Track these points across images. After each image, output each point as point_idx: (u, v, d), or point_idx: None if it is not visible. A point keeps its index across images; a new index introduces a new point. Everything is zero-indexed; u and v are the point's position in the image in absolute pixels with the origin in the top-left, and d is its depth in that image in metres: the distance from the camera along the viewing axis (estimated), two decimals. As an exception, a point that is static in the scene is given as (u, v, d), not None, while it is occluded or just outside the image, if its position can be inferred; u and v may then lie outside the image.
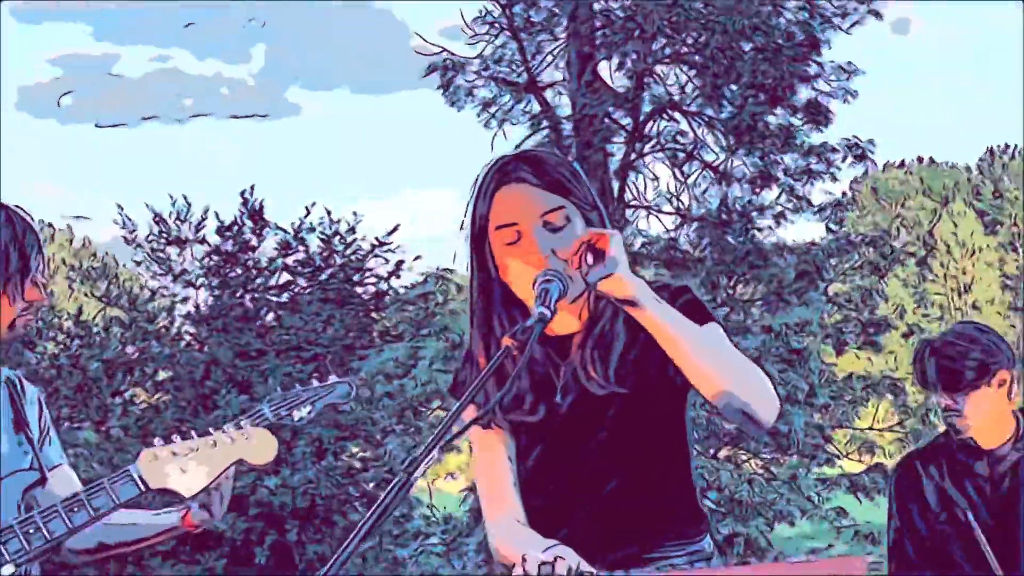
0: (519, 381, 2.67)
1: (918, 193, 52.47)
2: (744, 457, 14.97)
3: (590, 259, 2.56)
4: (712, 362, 2.59)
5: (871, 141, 16.19)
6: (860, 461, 15.52)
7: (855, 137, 16.36)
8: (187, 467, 3.27)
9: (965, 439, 4.04)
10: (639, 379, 2.76)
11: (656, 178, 17.01)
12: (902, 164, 53.56)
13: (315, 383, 4.02)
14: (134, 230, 19.75)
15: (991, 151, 53.68)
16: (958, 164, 54.15)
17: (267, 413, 3.95)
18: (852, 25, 16.34)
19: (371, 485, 17.54)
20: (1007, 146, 54.33)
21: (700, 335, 2.61)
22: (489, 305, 2.80)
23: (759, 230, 16.33)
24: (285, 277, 19.46)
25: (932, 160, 53.95)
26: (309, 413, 3.97)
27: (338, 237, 19.38)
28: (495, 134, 16.84)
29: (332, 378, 4.00)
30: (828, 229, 16.61)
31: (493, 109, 16.92)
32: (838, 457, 15.32)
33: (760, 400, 2.63)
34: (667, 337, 2.58)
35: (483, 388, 2.53)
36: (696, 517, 2.85)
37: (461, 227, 2.86)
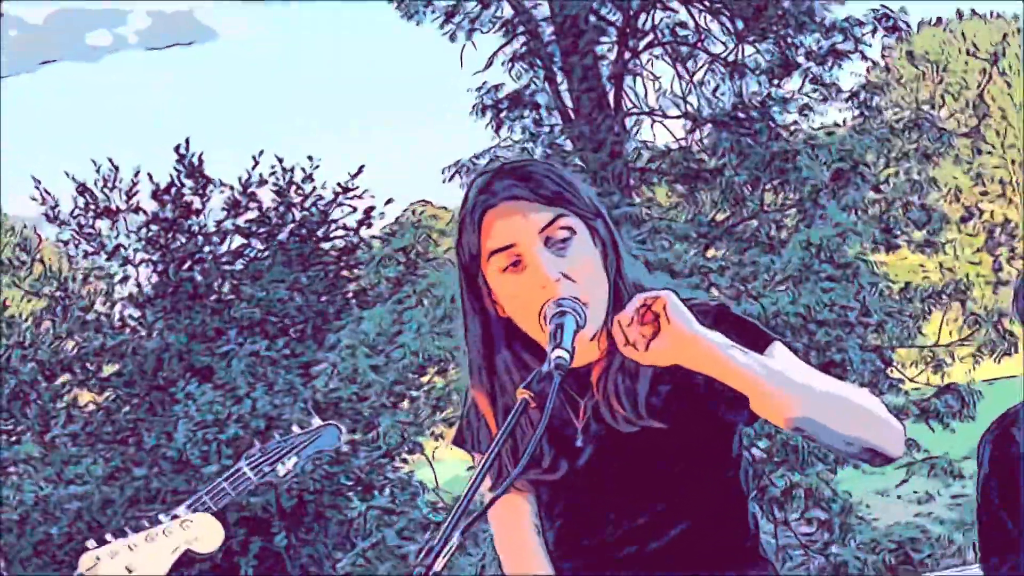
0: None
1: (961, 53, 52.24)
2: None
3: (646, 329, 2.53)
4: (816, 405, 2.56)
5: (903, 9, 16.10)
6: (928, 384, 15.53)
7: (883, 6, 16.27)
8: (133, 565, 3.33)
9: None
10: (676, 412, 2.72)
11: (657, 79, 16.96)
12: (939, 21, 53.28)
13: (296, 430, 4.01)
14: (56, 205, 19.69)
15: (1041, -7, 53.45)
16: (1004, 14, 53.85)
17: (248, 473, 3.95)
18: None
19: (365, 471, 17.58)
20: (1059, -15, 54.09)
21: (789, 376, 2.57)
22: (491, 350, 2.76)
23: (783, 128, 16.28)
24: (238, 241, 19.41)
25: (974, 12, 53.65)
26: (296, 466, 3.97)
27: (294, 188, 19.30)
28: (463, 47, 16.76)
29: (315, 422, 4.00)
30: (863, 116, 16.55)
31: (457, 19, 16.83)
32: (902, 382, 15.33)
33: (878, 427, 2.59)
34: (751, 389, 2.56)
35: (498, 452, 2.49)
36: (758, 564, 2.83)
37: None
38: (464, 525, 2.31)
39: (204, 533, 3.47)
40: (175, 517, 3.79)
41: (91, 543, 3.31)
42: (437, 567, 2.27)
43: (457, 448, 2.99)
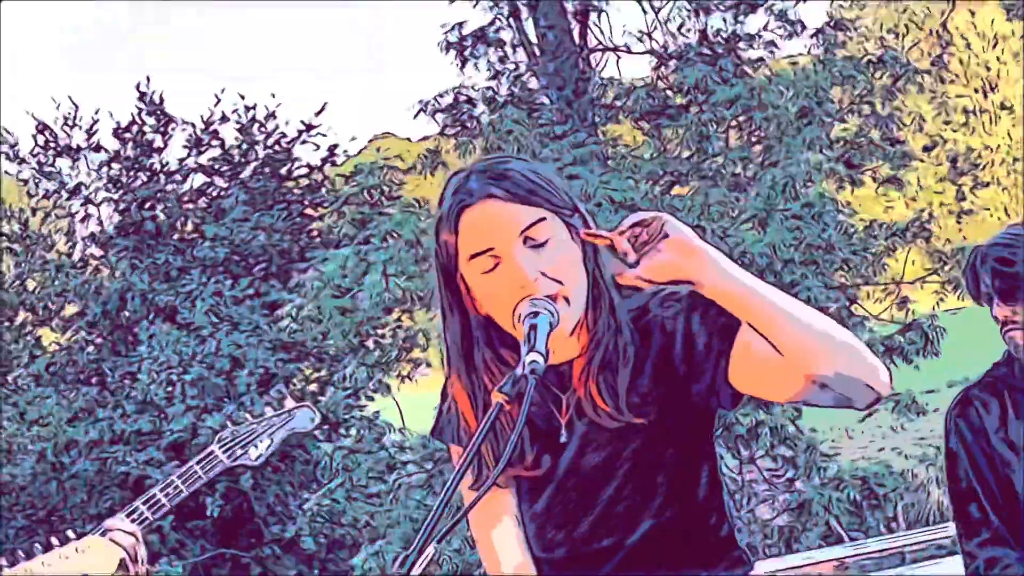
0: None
1: (926, -19, 52.26)
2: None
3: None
4: (808, 331, 2.52)
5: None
6: (893, 321, 15.59)
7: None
8: None
9: (1025, 357, 4.01)
10: (659, 406, 2.72)
11: (621, 14, 16.90)
12: (905, -51, 53.23)
13: (269, 411, 3.99)
14: (15, 144, 19.52)
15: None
16: (969, -59, 53.81)
17: (220, 456, 3.93)
18: None
19: (331, 411, 17.58)
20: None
21: (787, 299, 2.55)
22: (470, 348, 2.76)
23: (749, 64, 16.26)
24: (200, 179, 19.31)
25: (938, -60, 53.63)
26: (268, 448, 3.95)
27: (257, 125, 19.18)
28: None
29: (288, 403, 3.98)
30: (827, 51, 16.52)
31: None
32: (867, 319, 15.38)
33: (872, 367, 2.54)
34: (762, 316, 2.53)
35: (476, 452, 2.49)
36: (732, 555, 2.84)
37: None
38: (442, 531, 2.30)
39: (99, 558, 3.47)
40: (77, 537, 3.75)
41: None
42: (414, 575, 2.26)
43: (437, 439, 2.99)
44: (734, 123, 15.96)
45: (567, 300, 2.64)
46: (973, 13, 50.35)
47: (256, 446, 3.86)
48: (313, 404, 14.26)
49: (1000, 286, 3.97)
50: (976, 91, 49.72)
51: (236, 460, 3.88)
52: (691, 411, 2.75)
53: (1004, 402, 4.10)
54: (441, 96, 16.24)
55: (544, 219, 2.67)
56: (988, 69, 50.47)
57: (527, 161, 2.77)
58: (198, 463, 3.88)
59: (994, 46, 50.79)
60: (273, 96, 19.48)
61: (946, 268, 15.57)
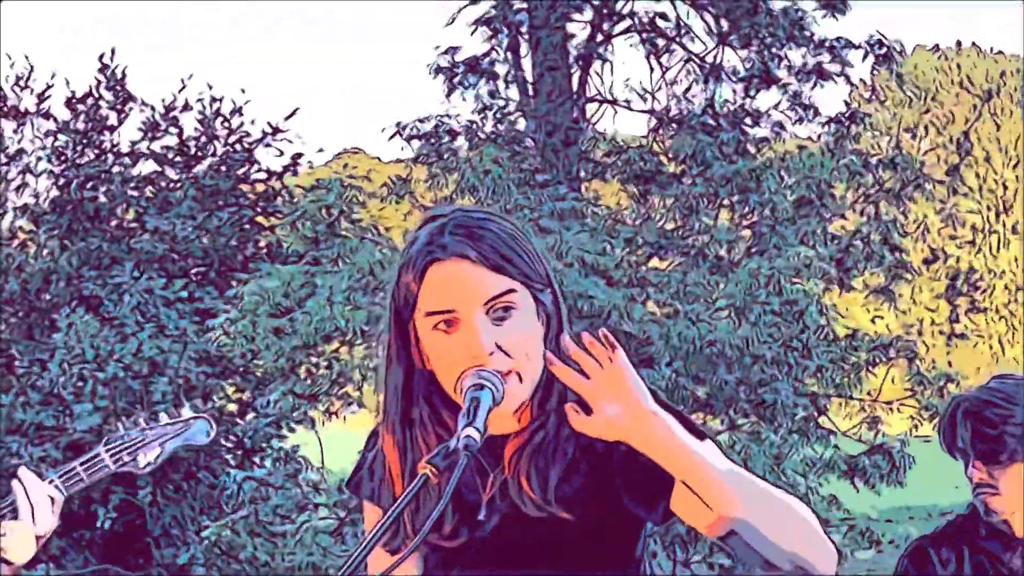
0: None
1: (954, 84, 52.67)
2: (716, 430, 15.06)
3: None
4: (761, 510, 2.58)
5: (899, 41, 16.19)
6: (861, 441, 15.64)
7: (879, 32, 16.36)
8: None
9: (997, 523, 4.02)
10: (586, 504, 2.73)
11: (626, 67, 17.00)
12: (936, 48, 53.66)
13: (164, 418, 3.98)
14: (-42, 96, 19.46)
15: (1048, 35, 53.87)
16: (1005, 51, 54.28)
17: (106, 459, 3.92)
18: None
19: (248, 436, 17.53)
20: (1068, 30, 54.47)
21: (739, 472, 2.60)
22: (409, 401, 2.77)
23: (753, 142, 16.34)
24: (150, 167, 19.25)
25: (975, 45, 54.06)
26: (157, 458, 3.94)
27: (220, 119, 19.17)
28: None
29: (186, 412, 3.97)
30: (838, 143, 16.61)
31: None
32: (833, 434, 15.43)
33: (815, 546, 2.60)
34: (697, 479, 2.58)
35: (396, 518, 2.50)
36: None
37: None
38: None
39: (16, 541, 3.48)
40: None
41: None
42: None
43: (352, 493, 3.00)
44: (727, 202, 16.02)
45: (519, 376, 2.67)
46: (999, 127, 50.77)
47: (145, 454, 3.86)
48: (230, 427, 14.09)
49: (980, 448, 3.98)
50: (989, 208, 50.07)
51: (122, 466, 3.88)
52: (621, 519, 2.75)
53: (962, 560, 4.10)
54: (421, 121, 16.28)
55: (513, 291, 2.69)
56: (1005, 188, 50.84)
57: (508, 222, 2.78)
58: (81, 464, 3.88)
59: (1015, 165, 51.17)
60: (243, 92, 19.47)
61: (926, 394, 15.62)
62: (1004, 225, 50.74)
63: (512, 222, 2.80)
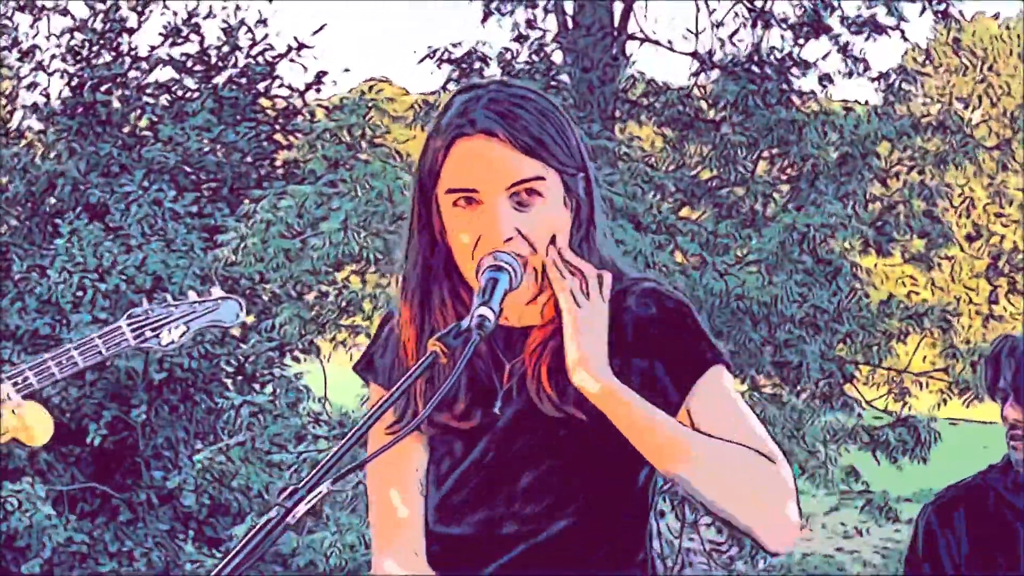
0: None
1: (1013, 55, 52.27)
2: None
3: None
4: (707, 478, 2.69)
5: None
6: (887, 412, 15.66)
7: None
8: None
9: (1024, 471, 4.05)
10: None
11: (671, 5, 16.96)
12: (997, 16, 53.27)
13: (192, 296, 4.00)
14: (-28, -14, 19.46)
15: (1116, 10, 53.56)
16: (1071, 22, 53.88)
17: (127, 333, 3.95)
18: None
19: (250, 360, 17.58)
20: None
21: (688, 443, 2.69)
22: (428, 273, 2.80)
23: (798, 93, 16.31)
24: (169, 74, 19.22)
25: (1038, 14, 53.61)
26: (182, 336, 3.96)
27: (244, 29, 19.14)
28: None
29: (216, 292, 3.98)
30: (887, 102, 16.57)
31: None
32: (858, 402, 15.45)
33: (766, 515, 2.69)
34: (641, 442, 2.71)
35: (401, 396, 2.54)
36: None
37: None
38: (342, 470, 2.35)
39: (33, 427, 3.51)
40: (5, 394, 3.78)
41: None
42: (298, 512, 2.31)
43: (360, 375, 3.03)
44: (766, 154, 16.01)
45: (536, 270, 2.70)
46: (1056, 102, 50.41)
47: (170, 331, 3.86)
48: (233, 350, 14.14)
49: (1021, 384, 4.01)
50: (1039, 187, 49.76)
51: (144, 342, 3.89)
52: None
53: (987, 511, 4.13)
54: (454, 46, 16.28)
55: (540, 177, 2.71)
56: (1057, 167, 50.49)
57: (546, 100, 2.79)
58: (100, 336, 3.89)
59: (1071, 144, 50.85)
60: (270, 1, 19.45)
61: (957, 368, 15.60)
62: (1053, 206, 50.46)
63: (551, 100, 2.81)
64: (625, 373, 2.75)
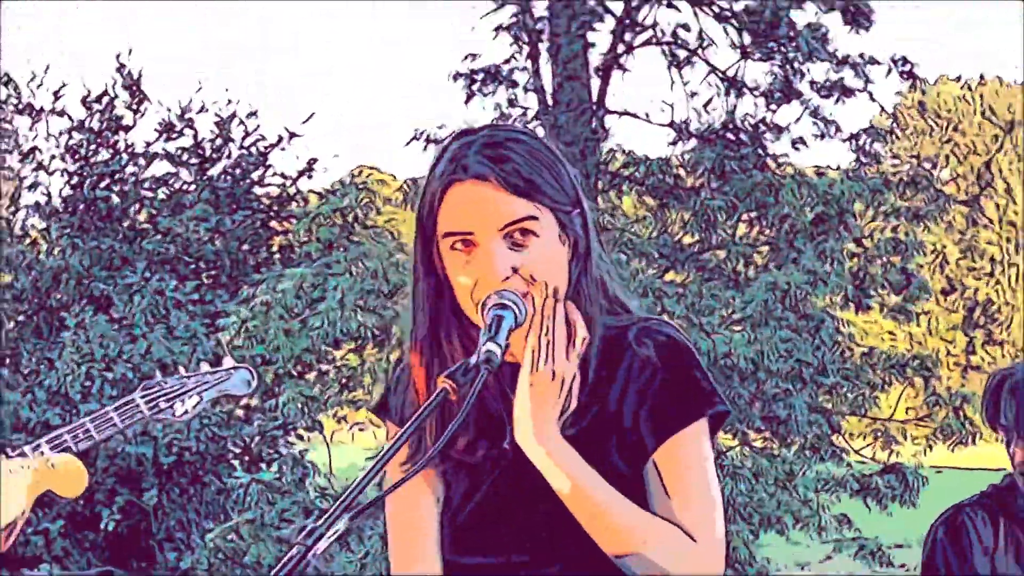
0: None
1: (976, 115, 52.57)
2: (729, 444, 15.09)
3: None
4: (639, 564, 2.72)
5: (923, 58, 16.21)
6: (874, 460, 15.66)
7: (903, 56, 16.42)
8: None
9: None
10: (606, 434, 2.77)
11: (647, 79, 17.04)
12: (959, 79, 53.55)
13: (205, 367, 4.00)
14: (-26, 92, 19.54)
15: (1073, 68, 53.87)
16: (1029, 82, 54.22)
17: (141, 405, 3.95)
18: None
19: (255, 440, 17.56)
20: (1093, 63, 54.35)
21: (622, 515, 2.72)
22: (435, 314, 2.81)
23: (772, 157, 16.37)
24: (164, 168, 19.30)
25: (998, 78, 53.98)
26: (195, 407, 3.96)
27: (236, 122, 19.22)
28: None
29: (227, 362, 3.98)
30: (859, 162, 16.65)
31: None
32: (846, 452, 15.45)
33: None
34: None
35: (414, 433, 2.54)
36: None
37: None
38: (358, 508, 2.34)
39: (68, 477, 3.48)
40: (39, 451, 3.78)
41: None
42: (318, 549, 2.30)
43: (376, 415, 3.04)
44: (745, 216, 16.05)
45: (533, 303, 2.71)
46: (1021, 158, 50.68)
47: (183, 402, 3.87)
48: (239, 431, 14.10)
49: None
50: (1008, 240, 49.92)
51: (159, 414, 3.89)
52: (636, 449, 2.79)
53: (997, 529, 4.11)
54: (440, 128, 16.34)
55: (533, 217, 2.72)
56: (1025, 221, 50.67)
57: (537, 142, 2.80)
58: (116, 410, 3.89)
59: (1037, 198, 51.06)
60: (261, 94, 19.56)
61: (940, 415, 15.61)
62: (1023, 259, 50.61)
63: (543, 141, 2.81)
64: (618, 412, 2.76)
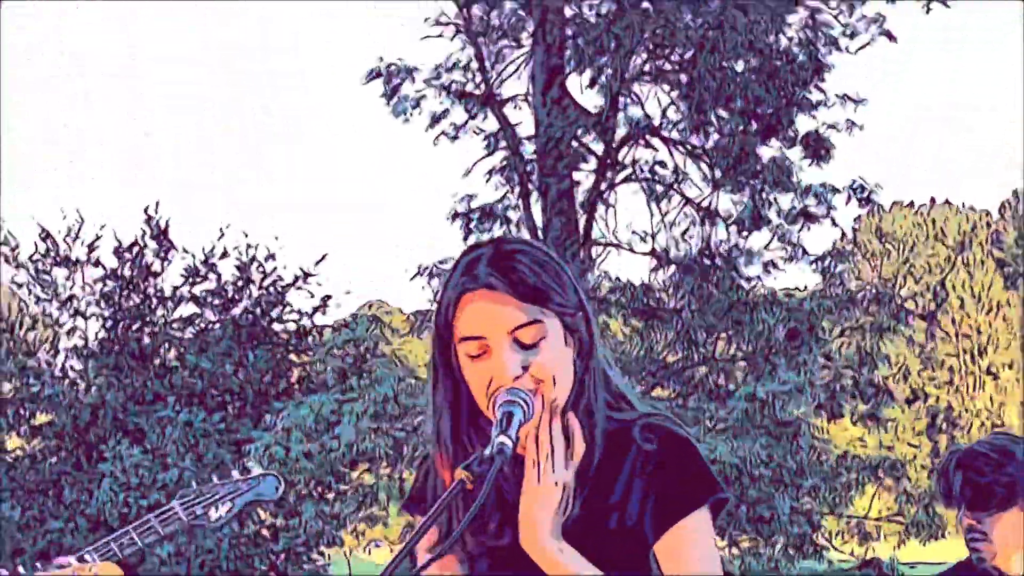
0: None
1: (929, 237, 52.90)
2: (718, 546, 14.97)
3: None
4: None
5: (879, 184, 16.34)
6: (852, 555, 15.59)
7: (861, 179, 16.52)
8: None
9: (988, 569, 4.01)
10: (611, 524, 2.73)
11: (629, 212, 17.14)
12: (911, 204, 53.98)
13: (236, 475, 3.98)
14: (16, 247, 19.59)
15: (1015, 193, 54.32)
16: (976, 207, 54.61)
17: (179, 512, 3.92)
18: (861, 48, 16.48)
19: (281, 557, 17.41)
20: (1033, 188, 54.77)
21: None
22: (458, 414, 2.79)
23: (746, 279, 16.42)
24: (191, 309, 19.33)
25: (947, 202, 54.38)
26: (229, 512, 3.93)
27: (255, 264, 19.28)
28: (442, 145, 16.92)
29: (257, 470, 3.97)
30: (825, 281, 16.71)
31: (444, 124, 16.97)
32: (827, 549, 15.37)
33: None
34: None
35: (434, 522, 2.52)
36: None
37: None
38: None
39: None
40: (81, 559, 3.74)
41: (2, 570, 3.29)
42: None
43: (406, 511, 3.02)
44: (723, 335, 16.08)
45: (543, 399, 2.69)
46: (972, 276, 50.88)
47: (217, 508, 3.85)
48: (266, 551, 13.95)
49: (970, 495, 3.98)
50: (965, 351, 50.01)
51: (196, 520, 3.86)
52: (639, 537, 2.73)
53: None
54: (442, 263, 16.38)
55: (540, 320, 2.72)
56: (979, 332, 50.81)
57: (541, 252, 2.81)
58: (156, 516, 3.86)
59: (988, 311, 51.21)
60: (276, 239, 19.60)
61: (912, 511, 15.57)
62: (980, 367, 50.66)
63: (547, 251, 2.83)
64: (623, 503, 2.73)
